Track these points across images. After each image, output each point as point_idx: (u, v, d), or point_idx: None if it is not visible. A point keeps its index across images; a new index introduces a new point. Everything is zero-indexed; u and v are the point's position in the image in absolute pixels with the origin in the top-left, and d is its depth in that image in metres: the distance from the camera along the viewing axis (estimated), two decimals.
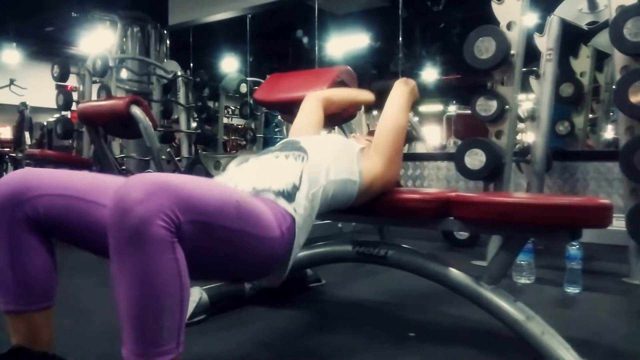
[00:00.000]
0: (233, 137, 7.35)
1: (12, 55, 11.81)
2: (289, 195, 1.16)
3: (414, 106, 1.79)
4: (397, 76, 6.65)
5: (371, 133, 1.79)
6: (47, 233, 1.03)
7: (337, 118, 2.18)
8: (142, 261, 0.80)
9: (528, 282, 2.37)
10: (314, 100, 1.84)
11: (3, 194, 0.99)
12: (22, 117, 6.86)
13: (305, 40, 6.33)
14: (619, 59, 2.53)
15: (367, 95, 1.97)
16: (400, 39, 6.04)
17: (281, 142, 1.50)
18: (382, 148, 1.54)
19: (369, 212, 1.59)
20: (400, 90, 1.67)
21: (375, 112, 7.49)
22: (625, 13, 2.40)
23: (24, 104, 6.96)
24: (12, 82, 8.43)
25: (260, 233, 1.01)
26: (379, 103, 1.86)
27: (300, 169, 1.25)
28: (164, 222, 0.80)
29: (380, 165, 1.50)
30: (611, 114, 4.40)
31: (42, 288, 1.03)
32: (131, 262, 0.81)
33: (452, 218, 1.52)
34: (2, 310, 1.01)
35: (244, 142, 7.01)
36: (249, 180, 1.20)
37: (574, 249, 2.25)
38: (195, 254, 0.88)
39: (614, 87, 2.45)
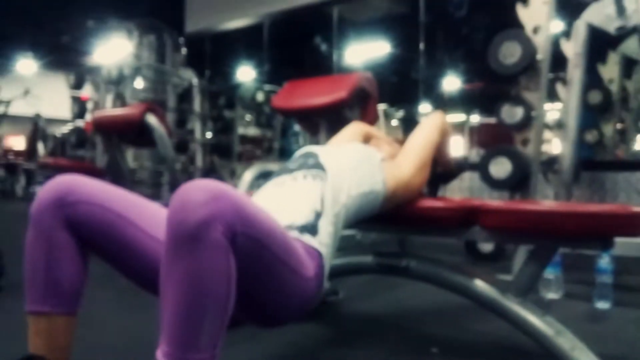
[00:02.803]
0: (249, 148, 7.34)
1: (27, 65, 11.78)
2: (313, 228, 1.13)
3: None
4: (416, 84, 6.67)
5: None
6: (83, 240, 1.04)
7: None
8: (197, 262, 0.80)
9: (556, 297, 2.28)
10: (357, 129, 1.79)
11: (48, 196, 1.01)
12: (36, 128, 6.95)
13: (323, 47, 6.32)
14: None
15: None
16: (421, 45, 5.98)
17: (299, 152, 1.45)
18: (412, 154, 1.52)
19: (390, 221, 1.52)
20: (433, 118, 1.67)
21: (393, 122, 7.45)
22: None
23: (38, 115, 7.04)
24: (27, 92, 8.45)
25: (298, 269, 1.00)
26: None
27: (320, 190, 1.21)
28: (223, 227, 0.81)
29: (407, 171, 1.47)
30: None
31: (70, 293, 1.03)
32: (185, 262, 0.81)
33: (478, 227, 1.45)
34: (26, 311, 1.00)
35: (260, 153, 7.00)
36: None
37: (604, 262, 2.17)
38: (241, 271, 0.86)
39: None
